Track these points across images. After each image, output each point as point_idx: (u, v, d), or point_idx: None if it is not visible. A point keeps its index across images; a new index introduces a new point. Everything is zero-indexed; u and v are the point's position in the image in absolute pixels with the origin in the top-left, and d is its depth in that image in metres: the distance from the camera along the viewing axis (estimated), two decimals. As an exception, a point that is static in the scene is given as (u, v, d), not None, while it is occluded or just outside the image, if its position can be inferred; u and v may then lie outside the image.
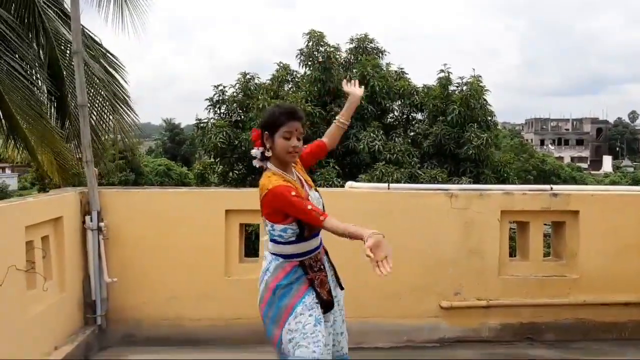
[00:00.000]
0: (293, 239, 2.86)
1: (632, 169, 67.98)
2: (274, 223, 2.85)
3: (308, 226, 2.83)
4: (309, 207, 2.71)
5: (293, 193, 2.72)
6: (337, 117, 3.29)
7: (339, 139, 3.37)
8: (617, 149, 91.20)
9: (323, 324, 2.88)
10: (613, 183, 41.49)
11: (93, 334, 4.40)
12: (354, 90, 3.29)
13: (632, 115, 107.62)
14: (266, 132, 2.86)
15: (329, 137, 3.27)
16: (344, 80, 3.41)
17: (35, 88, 6.48)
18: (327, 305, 2.92)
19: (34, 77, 6.43)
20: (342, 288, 3.14)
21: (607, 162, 75.68)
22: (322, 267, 2.98)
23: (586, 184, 30.46)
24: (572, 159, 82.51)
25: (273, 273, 2.90)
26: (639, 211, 4.84)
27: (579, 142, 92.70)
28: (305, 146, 3.08)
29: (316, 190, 3.06)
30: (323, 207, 2.99)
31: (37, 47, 7.08)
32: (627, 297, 4.78)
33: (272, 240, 2.92)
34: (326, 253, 3.12)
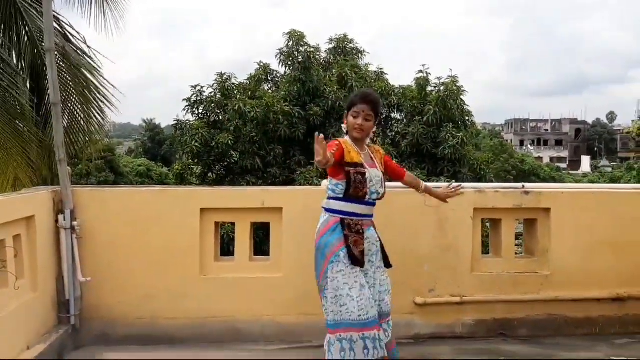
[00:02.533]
0: (341, 196, 3.38)
1: (610, 169, 68.82)
2: (332, 177, 3.42)
3: (354, 186, 3.33)
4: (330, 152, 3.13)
5: (335, 148, 3.23)
6: (424, 187, 3.90)
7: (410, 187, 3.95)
8: (596, 149, 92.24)
9: (353, 277, 3.33)
10: (591, 183, 41.91)
11: (67, 334, 4.36)
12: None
13: (610, 116, 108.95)
14: (346, 112, 3.52)
15: (410, 178, 3.88)
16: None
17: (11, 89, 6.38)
18: (356, 262, 3.34)
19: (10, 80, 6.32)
20: (388, 266, 3.62)
21: (586, 162, 76.58)
22: (360, 231, 3.41)
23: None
24: (551, 159, 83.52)
25: (319, 229, 3.43)
26: (609, 208, 4.91)
27: (558, 143, 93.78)
28: (392, 159, 3.81)
29: (384, 173, 3.59)
30: (383, 186, 3.52)
31: (18, 50, 7.01)
32: (598, 293, 4.85)
33: (328, 198, 3.46)
34: (376, 232, 3.60)
